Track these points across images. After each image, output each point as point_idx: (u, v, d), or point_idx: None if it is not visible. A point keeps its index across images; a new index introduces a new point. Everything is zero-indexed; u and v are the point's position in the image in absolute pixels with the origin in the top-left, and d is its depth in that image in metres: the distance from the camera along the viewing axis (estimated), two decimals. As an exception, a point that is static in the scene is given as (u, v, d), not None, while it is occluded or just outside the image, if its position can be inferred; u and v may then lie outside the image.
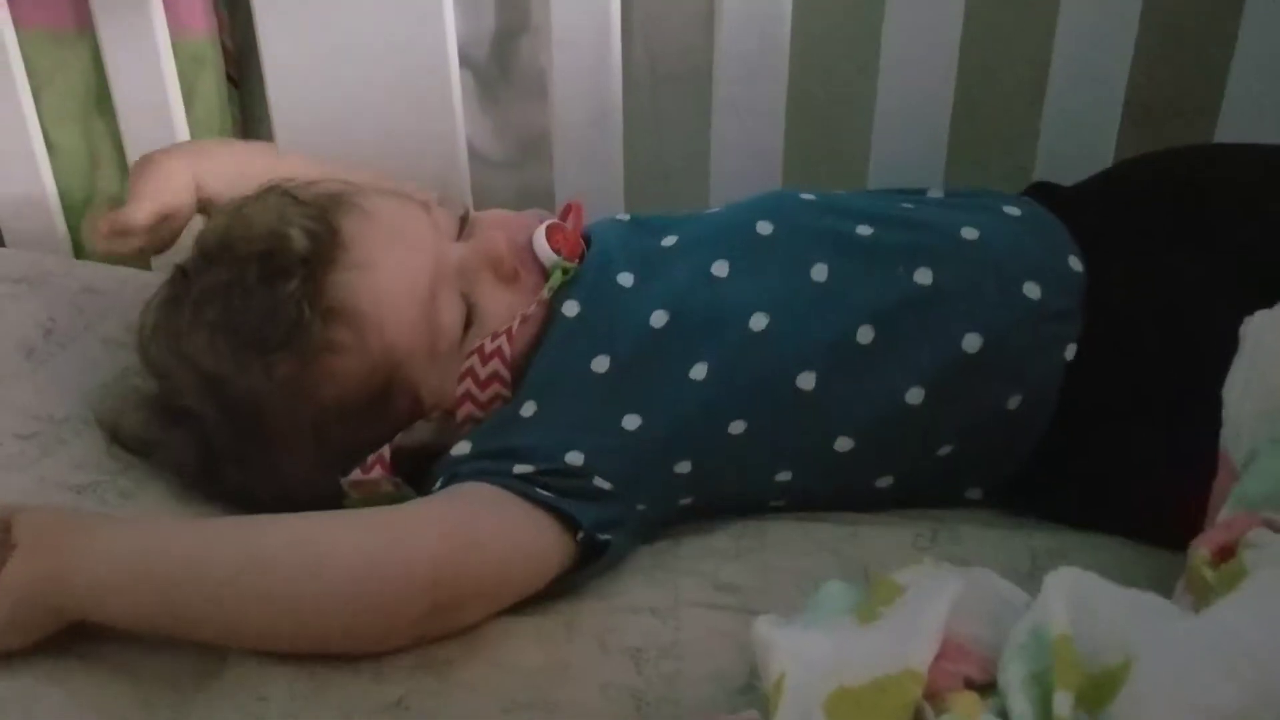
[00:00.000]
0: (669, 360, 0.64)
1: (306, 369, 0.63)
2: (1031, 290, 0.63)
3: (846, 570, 0.61)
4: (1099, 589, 0.41)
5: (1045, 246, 0.66)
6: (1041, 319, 0.63)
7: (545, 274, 0.68)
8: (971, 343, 0.62)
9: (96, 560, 0.54)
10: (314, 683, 0.55)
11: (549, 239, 0.69)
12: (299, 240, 0.63)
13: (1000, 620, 0.44)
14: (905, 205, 0.70)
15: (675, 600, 0.60)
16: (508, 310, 0.66)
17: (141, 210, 0.74)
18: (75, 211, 0.94)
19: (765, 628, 0.48)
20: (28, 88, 0.90)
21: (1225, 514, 0.46)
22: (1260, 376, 0.50)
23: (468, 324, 0.66)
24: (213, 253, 0.66)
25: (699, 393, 0.63)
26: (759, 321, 0.64)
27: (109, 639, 0.56)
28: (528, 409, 0.64)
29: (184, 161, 0.77)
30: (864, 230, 0.66)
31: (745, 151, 0.88)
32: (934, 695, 0.41)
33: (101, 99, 0.92)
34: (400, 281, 0.64)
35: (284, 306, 0.62)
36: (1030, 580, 0.58)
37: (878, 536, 0.64)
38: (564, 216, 0.72)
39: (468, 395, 0.65)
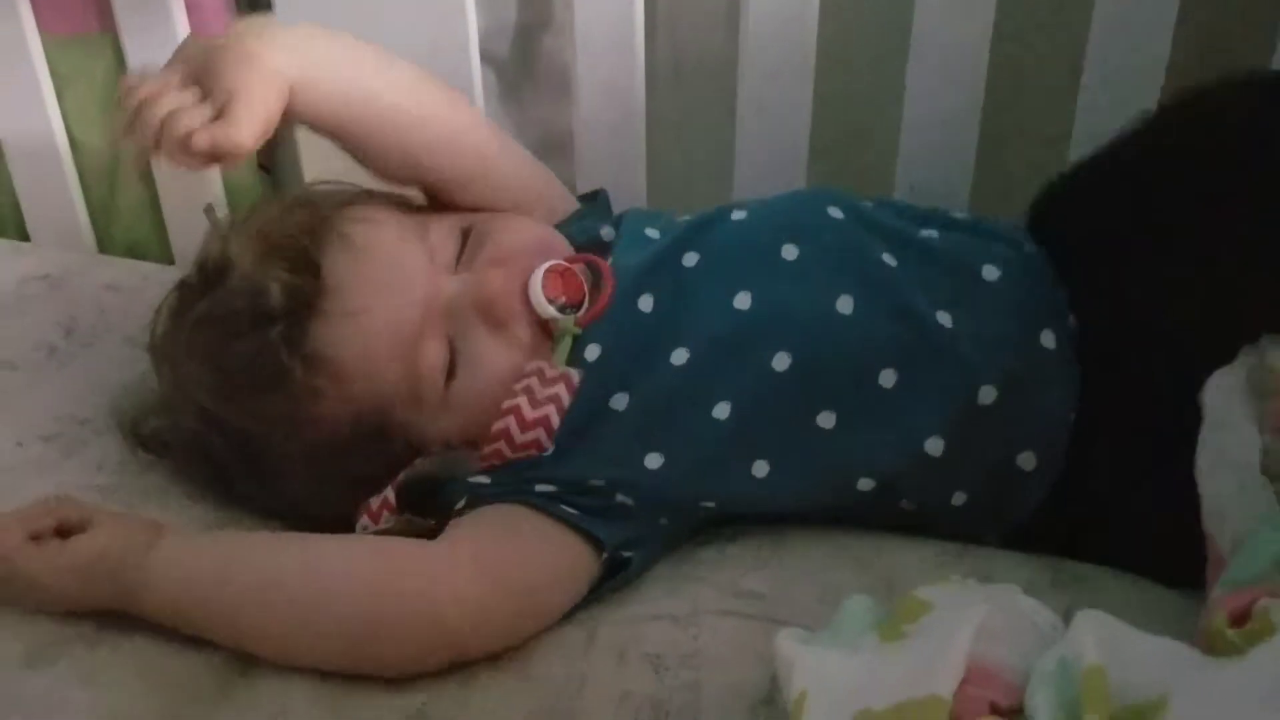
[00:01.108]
0: (691, 399, 0.62)
1: (294, 412, 0.62)
2: (1047, 339, 0.61)
3: (869, 581, 0.61)
4: (1128, 631, 0.40)
5: (1056, 293, 0.63)
6: (1055, 367, 0.61)
7: (539, 319, 0.63)
8: (987, 394, 0.60)
9: (165, 559, 0.57)
10: (335, 693, 0.55)
11: (547, 285, 0.63)
12: (278, 296, 0.60)
13: (1027, 643, 0.44)
14: (928, 233, 0.67)
15: (695, 608, 0.60)
16: (496, 358, 0.63)
17: (252, 133, 0.60)
18: (98, 210, 0.94)
19: (787, 643, 0.47)
20: (52, 89, 0.90)
21: (1217, 594, 0.45)
22: (1223, 449, 0.49)
23: (453, 370, 0.63)
24: (209, 278, 0.64)
25: (721, 432, 0.61)
26: (782, 361, 0.62)
27: (136, 638, 0.57)
28: (548, 451, 0.63)
29: (286, 73, 0.63)
30: (889, 260, 0.64)
31: (769, 150, 0.86)
32: None
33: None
34: (382, 333, 0.61)
35: (267, 351, 0.60)
36: (1053, 594, 0.58)
37: (902, 548, 0.63)
38: (574, 260, 0.66)
39: (497, 453, 0.63)
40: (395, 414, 0.63)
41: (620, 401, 0.62)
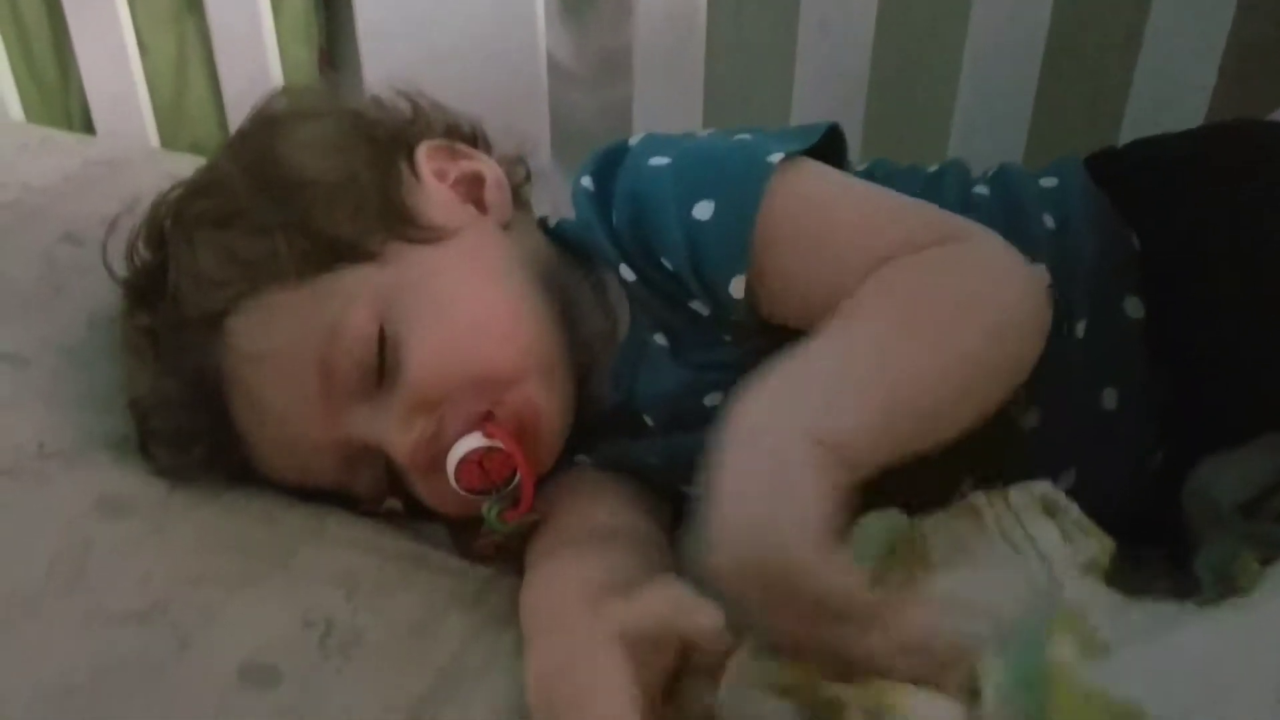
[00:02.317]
0: None
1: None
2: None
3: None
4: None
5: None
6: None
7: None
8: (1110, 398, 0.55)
9: None
10: (403, 565, 0.56)
11: (464, 476, 0.53)
12: (203, 454, 0.58)
13: None
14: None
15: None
16: (433, 494, 0.56)
17: None
18: (164, 110, 0.96)
19: None
20: (124, -7, 0.92)
21: None
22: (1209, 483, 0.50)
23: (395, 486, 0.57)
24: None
25: None
26: None
27: (204, 508, 0.57)
28: None
29: None
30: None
31: (829, 74, 0.86)
32: None
33: (193, 3, 0.93)
34: (307, 479, 0.58)
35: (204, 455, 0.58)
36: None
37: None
38: (519, 436, 0.53)
39: None
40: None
41: None
